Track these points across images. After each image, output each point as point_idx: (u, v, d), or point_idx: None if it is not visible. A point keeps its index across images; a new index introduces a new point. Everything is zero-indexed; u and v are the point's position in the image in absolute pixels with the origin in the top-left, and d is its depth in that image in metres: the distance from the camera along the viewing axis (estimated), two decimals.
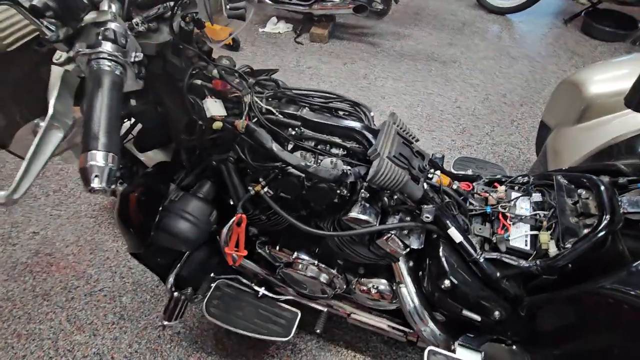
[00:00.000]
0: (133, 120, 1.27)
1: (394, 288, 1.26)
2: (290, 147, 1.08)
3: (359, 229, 1.08)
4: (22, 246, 2.11)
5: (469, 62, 3.50)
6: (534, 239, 1.04)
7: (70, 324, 1.81)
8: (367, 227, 1.07)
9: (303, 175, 1.04)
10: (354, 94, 3.11)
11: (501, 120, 2.92)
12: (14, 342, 1.74)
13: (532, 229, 1.06)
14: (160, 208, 1.10)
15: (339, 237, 1.15)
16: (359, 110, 1.16)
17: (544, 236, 1.00)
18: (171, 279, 1.31)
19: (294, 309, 1.45)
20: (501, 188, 1.17)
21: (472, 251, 1.06)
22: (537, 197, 1.12)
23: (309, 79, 3.24)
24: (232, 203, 1.19)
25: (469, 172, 1.28)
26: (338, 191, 1.06)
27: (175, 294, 1.28)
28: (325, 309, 1.45)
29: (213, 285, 1.45)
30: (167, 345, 1.72)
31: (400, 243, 1.09)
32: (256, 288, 1.43)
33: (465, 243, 1.05)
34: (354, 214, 1.06)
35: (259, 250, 1.39)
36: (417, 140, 1.13)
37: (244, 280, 1.43)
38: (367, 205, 1.08)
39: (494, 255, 1.04)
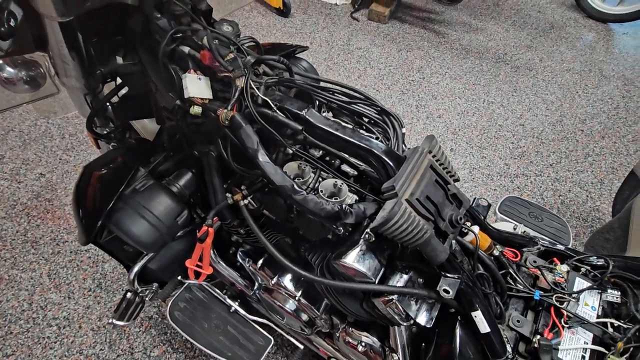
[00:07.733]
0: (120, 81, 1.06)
1: (386, 352, 0.99)
2: (288, 153, 0.83)
3: (351, 282, 0.81)
4: (26, 185, 2.06)
5: (548, 72, 2.94)
6: (595, 358, 0.72)
7: (49, 280, 1.73)
8: (362, 283, 0.80)
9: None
10: (401, 87, 2.73)
11: (572, 151, 2.41)
12: None
13: (595, 342, 0.73)
14: (117, 195, 0.89)
15: (324, 284, 0.89)
16: (387, 122, 0.87)
17: None
18: (135, 271, 1.13)
19: (267, 335, 1.23)
20: (562, 267, 0.83)
21: (500, 349, 0.76)
22: (613, 295, 0.78)
23: (355, 62, 2.89)
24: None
25: (519, 229, 0.95)
26: (334, 227, 0.79)
27: (129, 295, 1.09)
28: (302, 346, 1.21)
29: (184, 284, 1.25)
30: (136, 329, 1.59)
31: (402, 311, 0.81)
32: (229, 302, 1.22)
33: (493, 338, 0.75)
34: (349, 261, 0.79)
35: (240, 261, 1.17)
36: (456, 180, 0.82)
37: (215, 291, 1.22)
38: (369, 252, 0.80)
39: None
